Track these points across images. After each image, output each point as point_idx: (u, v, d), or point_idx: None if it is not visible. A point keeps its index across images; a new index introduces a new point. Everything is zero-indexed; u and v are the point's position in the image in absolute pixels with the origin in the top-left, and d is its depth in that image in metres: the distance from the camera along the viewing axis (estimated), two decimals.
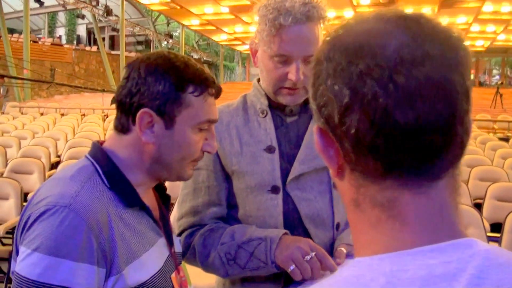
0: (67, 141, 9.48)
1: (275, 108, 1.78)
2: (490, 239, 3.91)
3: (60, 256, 1.09)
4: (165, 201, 1.51)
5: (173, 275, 1.40)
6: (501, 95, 21.12)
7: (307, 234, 1.71)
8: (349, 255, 1.66)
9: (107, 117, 15.76)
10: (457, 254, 0.59)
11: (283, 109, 1.77)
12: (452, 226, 0.63)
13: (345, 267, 0.65)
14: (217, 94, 1.37)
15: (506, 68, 39.63)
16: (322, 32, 1.67)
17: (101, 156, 1.30)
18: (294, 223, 1.72)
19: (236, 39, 35.83)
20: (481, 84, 39.68)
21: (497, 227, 4.34)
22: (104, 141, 1.37)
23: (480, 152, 8.67)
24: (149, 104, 1.26)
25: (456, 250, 0.59)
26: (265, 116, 1.77)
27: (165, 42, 39.97)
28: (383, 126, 0.60)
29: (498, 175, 6.35)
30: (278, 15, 1.58)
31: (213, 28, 31.30)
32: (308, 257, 1.53)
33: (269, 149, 1.72)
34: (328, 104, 0.64)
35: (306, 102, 1.79)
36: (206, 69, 1.37)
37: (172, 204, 5.41)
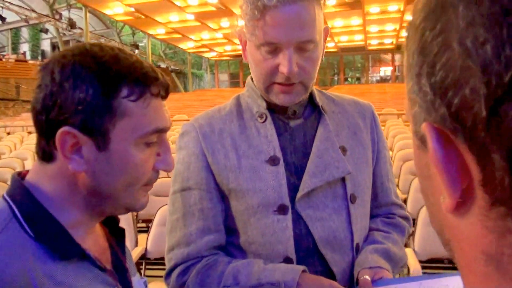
0: (35, 160, 9.06)
1: (275, 110, 1.51)
2: None
3: None
4: (118, 237, 1.18)
5: None
6: None
7: (323, 261, 1.46)
8: (374, 282, 1.41)
9: None
10: None
11: (285, 111, 1.50)
12: None
13: None
14: (165, 93, 1.04)
15: None
16: (321, 13, 1.41)
17: (20, 194, 0.98)
18: (307, 249, 1.46)
19: (203, 46, 35.73)
20: None
21: None
22: (27, 172, 1.05)
23: None
24: (70, 121, 0.93)
25: None
26: (265, 120, 1.51)
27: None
28: None
29: None
30: None
31: (179, 36, 31.16)
32: None
33: (273, 161, 1.46)
34: (463, 83, 0.37)
35: (311, 101, 1.54)
36: (146, 61, 1.04)
37: (150, 220, 5.18)
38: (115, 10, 24.66)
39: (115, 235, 1.18)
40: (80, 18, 30.29)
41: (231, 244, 1.52)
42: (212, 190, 1.50)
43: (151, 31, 30.39)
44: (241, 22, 1.45)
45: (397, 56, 40.26)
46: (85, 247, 1.01)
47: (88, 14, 26.56)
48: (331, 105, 1.61)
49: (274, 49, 1.38)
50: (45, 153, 0.99)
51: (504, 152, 0.35)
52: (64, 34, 33.11)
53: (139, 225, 5.69)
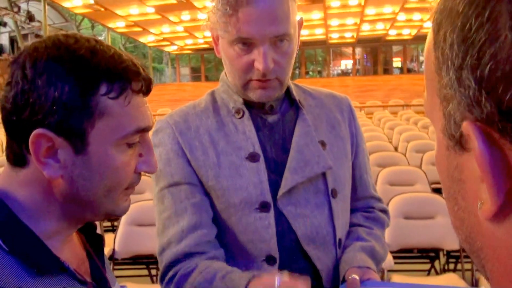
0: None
1: (252, 106, 1.46)
2: None
3: None
4: (96, 245, 1.09)
5: None
6: None
7: (306, 258, 1.43)
8: (362, 282, 1.37)
9: None
10: None
11: (262, 107, 1.45)
12: None
13: None
14: (146, 89, 0.97)
15: None
16: (295, 5, 1.36)
17: None
18: (290, 246, 1.42)
19: (164, 39, 35.40)
20: (409, 71, 40.53)
21: None
22: None
23: (426, 136, 8.75)
24: (44, 122, 0.84)
25: None
26: (242, 116, 1.46)
27: None
28: None
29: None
30: None
31: (140, 29, 30.78)
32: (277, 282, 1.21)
33: (253, 157, 1.42)
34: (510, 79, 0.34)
35: (288, 96, 1.50)
36: (126, 54, 0.95)
37: (116, 219, 5.04)
38: (74, 3, 24.22)
39: (92, 243, 1.08)
40: (39, 11, 29.77)
41: (217, 239, 1.47)
42: (198, 184, 1.44)
43: (110, 24, 29.92)
44: (212, 17, 1.39)
45: (358, 50, 40.63)
46: (63, 258, 0.92)
47: (47, 7, 26.11)
48: (309, 99, 1.57)
49: (249, 45, 1.34)
50: (17, 157, 0.90)
51: None
52: (23, 28, 32.49)
53: (104, 224, 5.58)
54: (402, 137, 8.94)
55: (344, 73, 43.89)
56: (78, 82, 0.85)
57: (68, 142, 0.87)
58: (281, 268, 1.39)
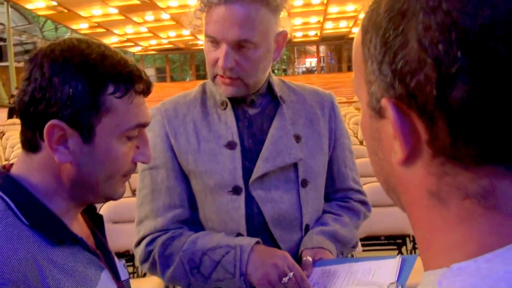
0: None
1: (235, 99, 1.58)
2: None
3: None
4: (98, 224, 1.24)
5: None
6: None
7: (272, 239, 1.56)
8: (315, 263, 1.53)
9: (3, 134, 14.84)
10: None
11: (243, 100, 1.59)
12: None
13: (442, 278, 0.52)
14: (147, 90, 1.11)
15: None
16: (272, 18, 1.49)
17: (11, 186, 1.02)
18: (258, 227, 1.56)
19: (128, 40, 35.21)
20: None
21: None
22: (11, 166, 1.09)
23: None
24: (58, 114, 0.98)
25: None
26: (225, 108, 1.59)
27: None
28: (506, 101, 0.47)
29: None
30: None
31: (103, 30, 30.65)
32: (286, 279, 1.39)
33: (230, 145, 1.56)
34: (419, 70, 0.49)
35: (270, 91, 1.63)
36: (130, 59, 1.10)
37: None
38: (37, 4, 24.03)
39: (94, 222, 1.24)
40: (2, 13, 29.37)
41: (193, 221, 1.61)
42: (177, 169, 1.58)
43: (74, 26, 29.74)
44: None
45: (322, 48, 40.96)
46: (75, 232, 1.07)
47: (10, 9, 25.80)
48: (291, 94, 1.69)
49: (216, 43, 1.47)
50: (31, 144, 1.03)
51: (446, 120, 0.49)
52: None
53: None
54: None
55: (309, 71, 44.29)
56: (89, 82, 0.99)
57: (77, 133, 1.01)
58: None
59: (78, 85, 0.98)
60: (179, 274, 1.51)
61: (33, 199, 1.02)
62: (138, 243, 1.61)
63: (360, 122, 0.64)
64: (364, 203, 1.79)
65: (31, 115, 1.00)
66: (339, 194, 1.76)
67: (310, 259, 1.52)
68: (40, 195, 1.03)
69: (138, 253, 1.60)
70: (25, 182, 1.03)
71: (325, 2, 25.51)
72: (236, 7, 1.41)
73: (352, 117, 11.85)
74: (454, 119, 0.48)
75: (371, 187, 3.90)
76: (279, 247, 1.56)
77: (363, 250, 3.99)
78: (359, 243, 3.61)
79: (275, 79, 1.67)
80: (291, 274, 1.39)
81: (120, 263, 1.26)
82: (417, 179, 0.55)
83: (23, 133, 1.05)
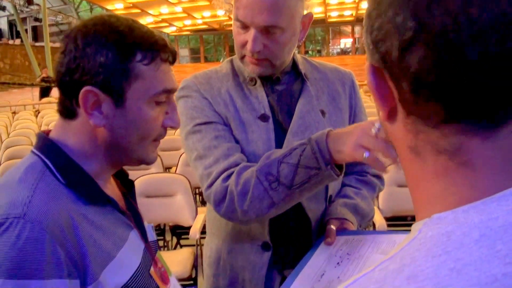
0: (2, 142, 8.92)
1: (263, 76, 1.66)
2: None
3: (24, 277, 0.93)
4: (129, 188, 1.35)
5: (152, 270, 1.26)
6: None
7: (301, 208, 1.63)
8: (338, 232, 1.60)
9: (38, 112, 15.15)
10: None
11: (270, 78, 1.67)
12: None
13: (423, 226, 0.58)
14: (172, 59, 1.20)
15: None
16: (298, 4, 1.54)
17: (50, 148, 1.13)
18: None
19: (162, 20, 35.28)
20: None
21: None
22: (50, 131, 1.19)
23: None
24: (91, 81, 1.08)
25: None
26: (255, 84, 1.67)
27: None
28: (450, 64, 0.53)
29: None
30: None
31: (138, 11, 30.68)
32: (375, 130, 1.33)
33: (263, 118, 1.64)
34: (386, 38, 0.58)
35: (294, 68, 1.71)
36: (155, 31, 1.19)
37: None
38: None
39: (125, 186, 1.34)
40: None
41: None
42: (227, 125, 1.64)
43: (109, 6, 29.87)
44: None
45: (357, 28, 40.57)
46: (107, 193, 1.17)
47: None
48: (314, 72, 1.77)
49: (244, 27, 1.54)
50: (69, 111, 1.14)
51: (407, 80, 0.57)
52: (22, 11, 32.48)
53: None
54: None
55: (344, 52, 43.77)
56: (119, 51, 1.08)
57: (110, 98, 1.10)
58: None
59: (109, 53, 1.08)
60: (258, 196, 1.48)
61: (70, 161, 1.12)
62: (210, 185, 1.57)
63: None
64: (378, 177, 1.86)
65: (68, 84, 1.10)
66: (357, 167, 1.83)
67: (334, 227, 1.59)
68: (76, 157, 1.13)
69: (212, 193, 1.56)
70: (63, 145, 1.14)
71: None
72: None
73: None
74: (413, 79, 0.56)
75: (394, 167, 3.94)
76: (307, 216, 1.65)
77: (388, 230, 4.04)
78: (385, 223, 3.68)
79: (298, 57, 1.74)
80: (378, 124, 1.32)
81: (148, 226, 1.35)
82: (399, 134, 0.63)
83: (60, 102, 1.15)
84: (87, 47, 1.07)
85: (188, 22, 36.41)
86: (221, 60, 39.30)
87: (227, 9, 1.58)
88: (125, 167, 1.31)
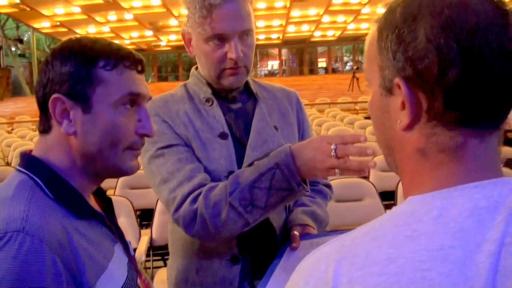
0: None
1: (219, 96, 1.78)
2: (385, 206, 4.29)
3: None
4: (108, 205, 1.37)
5: (138, 281, 1.32)
6: (357, 79, 22.87)
7: (265, 219, 1.68)
8: (302, 237, 1.71)
9: None
10: (497, 190, 0.68)
11: (226, 97, 1.78)
12: (497, 168, 0.74)
13: (398, 205, 0.73)
14: (140, 67, 1.23)
15: (357, 54, 41.27)
16: (252, 9, 1.71)
17: (36, 165, 1.16)
18: None
19: None
20: (334, 71, 41.40)
21: (385, 195, 4.81)
22: (31, 151, 1.22)
23: (351, 131, 9.16)
24: (58, 90, 1.13)
25: (496, 186, 0.69)
26: (211, 104, 1.76)
27: (14, 48, 37.66)
28: (484, 81, 0.67)
29: (376, 149, 6.62)
30: None
31: (65, 30, 30.07)
32: (333, 153, 1.46)
33: (223, 136, 1.72)
34: (426, 56, 0.68)
35: (247, 89, 1.84)
36: (121, 45, 1.25)
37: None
38: None
39: (105, 203, 1.37)
40: None
41: None
42: (189, 147, 1.70)
43: (35, 25, 29.19)
44: (187, 23, 1.71)
45: (284, 51, 41.16)
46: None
47: None
48: (263, 91, 1.90)
49: (222, 41, 1.65)
50: (44, 126, 1.18)
51: (442, 94, 0.68)
52: None
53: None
54: (329, 132, 9.30)
55: (271, 74, 44.37)
56: (82, 60, 1.14)
57: (77, 104, 1.14)
58: None
59: (73, 63, 1.14)
60: (233, 218, 1.53)
61: (56, 176, 1.15)
62: (177, 208, 1.61)
63: (368, 100, 0.85)
64: (328, 186, 2.03)
65: (40, 98, 1.16)
66: None
67: (297, 233, 1.71)
68: (61, 171, 1.17)
69: (181, 217, 1.60)
70: (45, 161, 1.17)
71: (288, 6, 25.73)
72: (233, 4, 1.61)
73: (315, 118, 12.04)
74: (448, 92, 0.68)
75: (334, 184, 4.07)
76: (272, 225, 1.76)
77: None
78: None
79: (248, 78, 1.85)
80: (333, 145, 1.45)
81: (129, 242, 1.40)
82: (412, 139, 0.75)
83: (39, 120, 1.20)
84: (54, 61, 1.15)
85: (115, 42, 35.81)
86: (149, 81, 39.06)
87: (204, 30, 1.65)
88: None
